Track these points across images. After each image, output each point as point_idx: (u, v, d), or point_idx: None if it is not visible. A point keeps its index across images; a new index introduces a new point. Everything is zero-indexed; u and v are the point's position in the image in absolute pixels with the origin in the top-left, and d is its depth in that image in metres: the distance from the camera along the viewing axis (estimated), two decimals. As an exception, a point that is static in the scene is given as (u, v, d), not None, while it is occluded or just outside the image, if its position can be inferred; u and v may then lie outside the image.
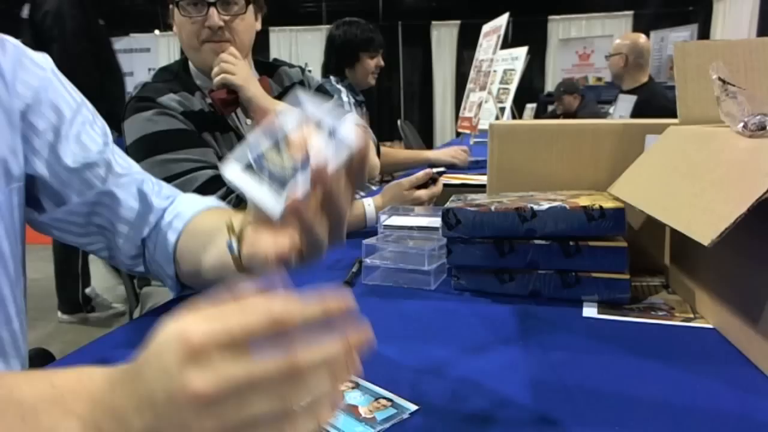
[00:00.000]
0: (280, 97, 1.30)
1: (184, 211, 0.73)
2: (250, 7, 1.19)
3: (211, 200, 0.77)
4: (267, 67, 1.34)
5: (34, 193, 0.68)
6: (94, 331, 2.92)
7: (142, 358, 0.36)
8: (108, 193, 0.70)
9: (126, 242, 0.73)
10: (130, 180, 0.73)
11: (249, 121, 1.24)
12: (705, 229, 0.52)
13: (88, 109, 0.72)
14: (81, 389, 0.39)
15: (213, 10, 1.14)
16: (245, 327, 0.33)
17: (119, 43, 9.08)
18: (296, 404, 0.34)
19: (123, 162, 0.73)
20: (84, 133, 0.69)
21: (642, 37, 3.32)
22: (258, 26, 1.27)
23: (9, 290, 0.65)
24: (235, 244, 0.56)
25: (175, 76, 1.20)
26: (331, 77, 2.42)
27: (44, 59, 0.68)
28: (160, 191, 0.76)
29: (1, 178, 0.63)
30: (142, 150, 1.09)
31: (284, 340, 0.33)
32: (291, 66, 1.41)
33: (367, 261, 0.87)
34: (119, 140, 1.11)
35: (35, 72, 0.66)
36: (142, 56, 8.97)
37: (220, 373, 0.32)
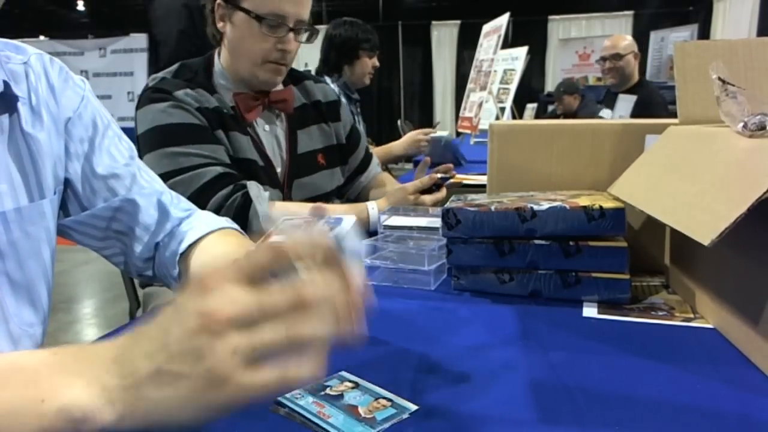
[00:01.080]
0: (303, 108, 1.30)
1: (199, 227, 0.78)
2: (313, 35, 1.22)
3: (226, 221, 0.81)
4: (293, 77, 1.34)
5: (63, 198, 0.73)
6: (94, 331, 2.93)
7: (154, 317, 0.39)
8: (130, 200, 0.75)
9: (142, 247, 0.77)
10: (152, 191, 0.78)
11: (267, 127, 1.24)
12: (705, 229, 0.52)
13: (116, 127, 0.79)
14: (82, 353, 0.40)
15: (292, 36, 1.16)
16: (259, 265, 0.38)
17: (119, 43, 9.10)
18: (303, 336, 0.36)
19: (147, 176, 0.79)
20: (113, 146, 0.76)
21: (629, 36, 3.40)
22: None
23: (46, 292, 0.70)
24: None
25: (195, 74, 1.19)
26: (326, 77, 2.43)
27: (83, 81, 0.76)
28: (179, 203, 0.81)
29: (53, 180, 0.69)
30: (152, 140, 1.09)
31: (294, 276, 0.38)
32: (317, 80, 1.40)
33: (367, 261, 0.87)
34: (131, 129, 1.12)
35: (77, 89, 0.74)
36: (143, 56, 8.96)
37: (234, 299, 0.36)
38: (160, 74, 1.18)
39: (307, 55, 9.01)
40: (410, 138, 2.29)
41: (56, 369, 0.39)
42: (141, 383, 0.37)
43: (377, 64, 2.52)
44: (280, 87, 1.26)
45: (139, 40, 9.05)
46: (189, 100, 1.11)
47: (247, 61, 1.18)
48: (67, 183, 0.73)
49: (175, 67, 1.21)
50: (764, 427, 0.48)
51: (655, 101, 2.96)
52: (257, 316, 0.36)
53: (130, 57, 8.97)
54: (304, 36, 1.20)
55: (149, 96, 1.12)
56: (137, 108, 1.14)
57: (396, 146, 2.30)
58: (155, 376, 0.36)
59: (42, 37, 9.00)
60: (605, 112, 3.31)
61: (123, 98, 8.60)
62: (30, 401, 0.37)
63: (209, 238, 0.77)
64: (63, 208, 0.74)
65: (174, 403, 0.36)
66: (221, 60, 1.22)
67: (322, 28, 2.02)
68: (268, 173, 1.19)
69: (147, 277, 0.82)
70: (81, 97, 0.74)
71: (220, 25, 1.17)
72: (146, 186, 0.78)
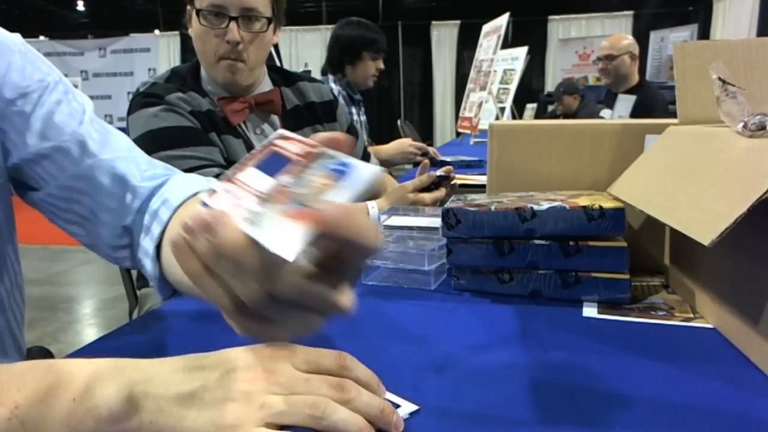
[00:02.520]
0: (297, 110, 1.30)
1: (172, 197, 0.63)
2: (270, 24, 1.19)
3: (205, 182, 0.68)
4: (286, 78, 1.33)
5: (17, 177, 0.65)
6: (94, 331, 2.93)
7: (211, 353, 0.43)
8: (83, 176, 0.64)
9: (107, 230, 0.66)
10: (110, 160, 0.65)
11: (259, 130, 1.24)
12: (705, 229, 0.52)
13: (65, 85, 0.67)
14: (120, 363, 0.43)
15: (233, 25, 1.12)
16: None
17: (119, 43, 9.10)
18: (328, 424, 0.40)
19: (99, 138, 0.66)
20: (57, 112, 0.64)
21: (630, 36, 3.36)
22: (275, 40, 1.26)
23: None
24: None
25: (185, 79, 1.19)
26: (329, 76, 2.43)
27: (13, 39, 0.64)
28: (145, 170, 0.67)
29: None
30: (146, 145, 1.08)
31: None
32: (313, 80, 1.40)
33: (367, 261, 0.87)
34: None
35: (4, 52, 0.62)
36: (142, 56, 8.97)
37: (285, 372, 0.41)
38: (151, 80, 1.19)
39: (307, 55, 9.02)
40: (399, 146, 2.22)
41: (91, 374, 0.41)
42: (170, 400, 0.40)
43: (382, 66, 2.50)
44: (265, 88, 1.25)
45: (139, 40, 9.05)
46: (181, 104, 1.11)
47: (205, 62, 1.17)
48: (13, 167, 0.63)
49: (165, 73, 1.22)
50: (764, 427, 0.48)
51: (656, 102, 2.95)
52: (297, 389, 0.41)
53: (130, 57, 8.97)
54: (256, 25, 1.15)
55: (140, 101, 1.12)
56: (129, 114, 1.13)
57: (383, 150, 2.24)
58: (187, 397, 0.40)
59: (42, 37, 9.00)
60: (605, 112, 3.30)
61: (123, 98, 8.61)
62: (62, 399, 0.40)
63: (185, 207, 0.62)
64: (22, 187, 0.65)
65: (190, 426, 0.39)
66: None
67: (323, 28, 2.02)
68: None
69: (131, 267, 0.71)
70: (8, 63, 0.62)
71: (189, 29, 1.17)
72: (98, 153, 0.64)
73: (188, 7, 1.16)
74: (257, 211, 0.37)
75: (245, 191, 0.39)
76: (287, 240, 0.35)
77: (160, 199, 0.64)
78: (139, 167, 0.67)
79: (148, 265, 0.63)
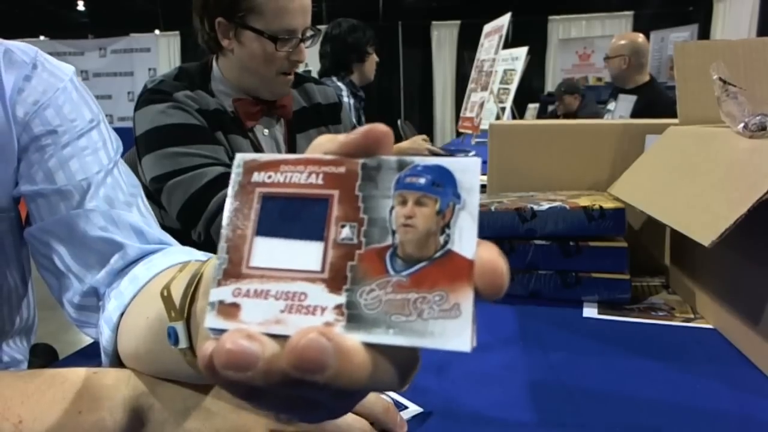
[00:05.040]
0: (303, 111, 1.30)
1: (143, 274, 0.51)
2: None
3: (195, 254, 0.56)
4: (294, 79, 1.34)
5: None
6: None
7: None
8: (66, 223, 0.56)
9: (76, 284, 0.56)
10: (104, 211, 0.57)
11: (266, 131, 1.24)
12: (705, 230, 0.52)
13: (101, 132, 0.62)
14: (123, 375, 0.42)
15: (302, 46, 1.17)
16: None
17: (119, 43, 9.10)
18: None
19: (105, 192, 0.58)
20: (77, 158, 0.58)
21: (640, 36, 3.27)
22: None
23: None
24: (181, 330, 0.35)
25: (193, 78, 1.19)
26: (333, 77, 2.43)
27: (64, 70, 0.61)
28: (146, 232, 0.57)
29: None
30: (152, 141, 1.08)
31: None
32: (318, 82, 1.40)
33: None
34: (131, 130, 1.11)
35: (50, 82, 0.59)
36: (142, 56, 8.96)
37: None
38: (159, 76, 1.18)
39: (308, 55, 9.01)
40: (413, 144, 2.28)
41: (96, 386, 0.41)
42: (176, 410, 0.40)
43: (377, 58, 2.57)
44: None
45: (139, 40, 9.05)
46: (189, 102, 1.11)
47: (260, 76, 1.18)
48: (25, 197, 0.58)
49: (173, 70, 1.21)
50: (764, 427, 0.48)
51: (661, 103, 2.92)
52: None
53: (130, 57, 8.97)
54: (310, 41, 1.21)
55: (148, 97, 1.12)
56: (136, 109, 1.13)
57: (397, 148, 2.30)
58: (193, 407, 0.40)
59: (42, 37, 9.00)
60: (612, 105, 3.30)
61: (123, 98, 8.60)
62: (68, 413, 0.39)
63: (152, 284, 0.50)
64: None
65: None
66: (221, 68, 1.21)
67: (322, 28, 2.02)
68: None
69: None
70: (55, 89, 0.59)
71: (225, 42, 1.16)
72: (96, 207, 0.56)
73: (222, 20, 1.13)
74: (340, 302, 0.23)
75: (285, 282, 0.23)
76: (448, 326, 0.23)
77: (142, 269, 0.53)
78: (140, 222, 0.58)
79: (106, 333, 0.50)
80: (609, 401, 0.51)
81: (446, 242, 0.23)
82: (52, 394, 0.40)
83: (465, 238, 0.24)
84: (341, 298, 0.23)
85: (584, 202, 0.77)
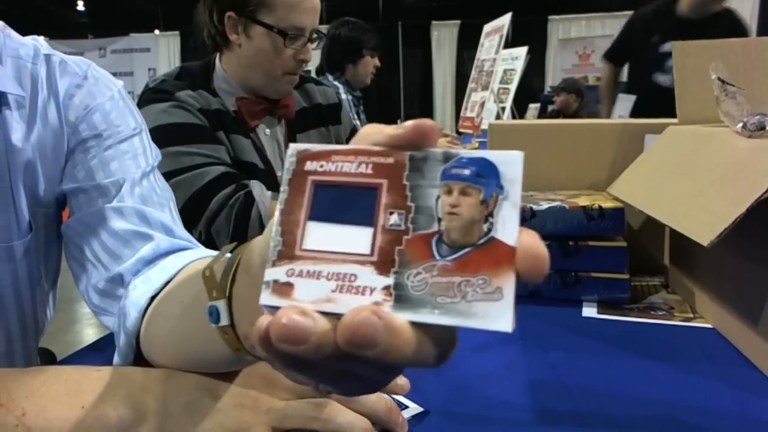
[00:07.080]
0: (303, 112, 1.30)
1: (173, 264, 0.53)
2: None
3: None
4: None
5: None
6: (94, 331, 2.93)
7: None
8: (99, 214, 0.58)
9: (97, 272, 0.57)
10: (137, 209, 0.59)
11: (268, 131, 1.24)
12: (704, 230, 0.52)
13: (143, 141, 0.65)
14: (126, 372, 0.43)
15: (309, 45, 1.17)
16: None
17: (119, 43, 9.11)
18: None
19: (140, 193, 0.61)
20: (117, 160, 0.61)
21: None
22: None
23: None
24: (222, 308, 0.35)
25: (195, 77, 1.19)
26: (328, 75, 2.43)
27: (114, 81, 0.66)
28: (176, 232, 0.60)
29: (29, 214, 0.60)
30: (154, 140, 1.08)
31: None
32: (318, 82, 1.41)
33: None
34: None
35: (100, 90, 0.64)
36: (142, 56, 8.97)
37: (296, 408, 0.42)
38: (161, 76, 1.18)
39: (307, 55, 9.03)
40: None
41: (99, 382, 0.42)
42: (178, 406, 0.40)
43: (378, 64, 2.54)
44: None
45: (139, 40, 9.05)
46: (190, 101, 1.11)
47: (266, 73, 1.18)
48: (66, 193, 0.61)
49: (175, 69, 1.21)
50: (764, 427, 0.48)
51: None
52: (305, 393, 0.42)
53: (130, 57, 8.97)
54: (316, 42, 1.21)
55: (150, 97, 1.12)
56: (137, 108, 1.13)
57: None
58: (195, 403, 0.40)
59: (42, 37, 9.01)
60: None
61: (123, 98, 8.61)
62: (70, 407, 0.40)
63: (172, 282, 0.51)
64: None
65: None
66: (225, 66, 1.21)
67: (322, 28, 2.03)
68: (268, 176, 1.19)
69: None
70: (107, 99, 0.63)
71: (233, 37, 1.16)
72: (127, 205, 0.59)
73: (232, 14, 1.13)
74: (388, 284, 0.24)
75: (336, 264, 0.25)
76: (491, 308, 0.25)
77: (161, 267, 0.54)
78: (169, 223, 0.60)
79: (133, 315, 0.50)
80: (608, 400, 0.51)
81: (489, 230, 0.24)
82: (56, 389, 0.40)
83: (508, 226, 0.24)
84: (389, 280, 0.24)
85: (584, 201, 0.77)
